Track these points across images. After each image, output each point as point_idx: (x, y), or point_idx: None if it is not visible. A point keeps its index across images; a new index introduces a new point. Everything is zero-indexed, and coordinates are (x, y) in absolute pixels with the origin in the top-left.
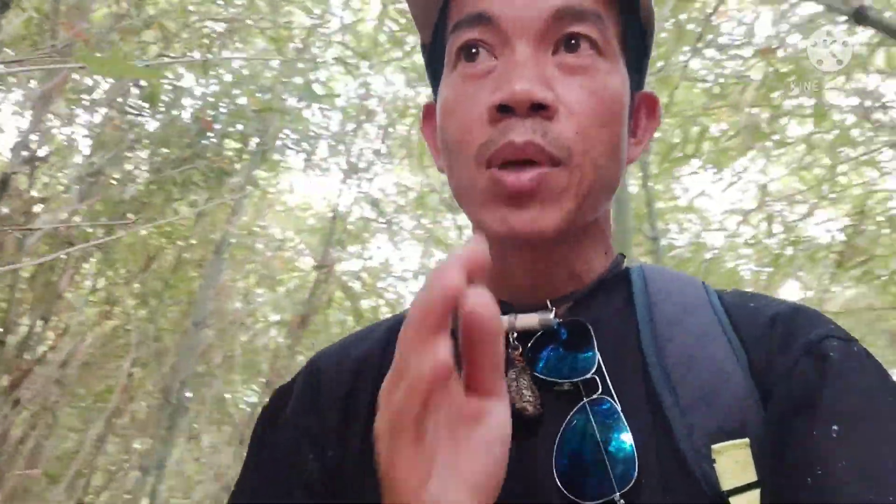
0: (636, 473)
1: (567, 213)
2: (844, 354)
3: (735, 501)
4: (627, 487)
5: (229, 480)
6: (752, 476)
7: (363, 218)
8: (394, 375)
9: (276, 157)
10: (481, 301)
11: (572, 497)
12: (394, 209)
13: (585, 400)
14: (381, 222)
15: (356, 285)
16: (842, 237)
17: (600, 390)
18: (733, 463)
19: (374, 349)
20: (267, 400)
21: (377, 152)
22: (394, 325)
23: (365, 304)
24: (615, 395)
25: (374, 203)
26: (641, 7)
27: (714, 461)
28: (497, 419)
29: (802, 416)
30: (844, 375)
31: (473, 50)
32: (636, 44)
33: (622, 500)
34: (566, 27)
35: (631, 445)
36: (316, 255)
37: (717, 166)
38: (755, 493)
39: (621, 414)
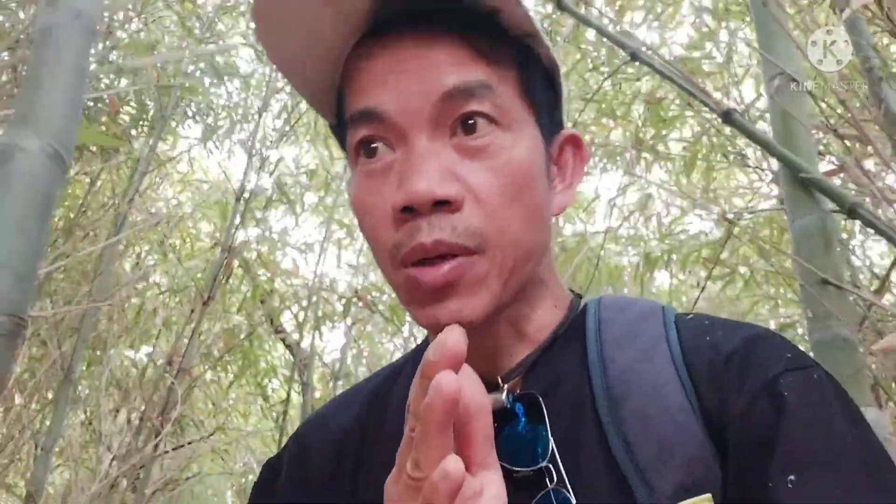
0: None
1: (491, 297)
2: (801, 390)
3: None
4: None
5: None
6: None
7: (264, 194)
8: (400, 474)
9: (177, 128)
10: (467, 382)
11: None
12: (295, 186)
13: (539, 495)
14: (284, 200)
15: (253, 257)
16: (715, 236)
17: (555, 480)
18: None
19: (353, 425)
20: (257, 474)
21: (281, 129)
22: (371, 394)
23: (264, 277)
24: (570, 476)
25: (277, 180)
26: (542, 60)
27: None
28: (493, 490)
29: (759, 463)
30: (800, 416)
31: (370, 145)
32: (543, 91)
33: None
34: (459, 108)
35: None
36: (217, 230)
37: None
38: None
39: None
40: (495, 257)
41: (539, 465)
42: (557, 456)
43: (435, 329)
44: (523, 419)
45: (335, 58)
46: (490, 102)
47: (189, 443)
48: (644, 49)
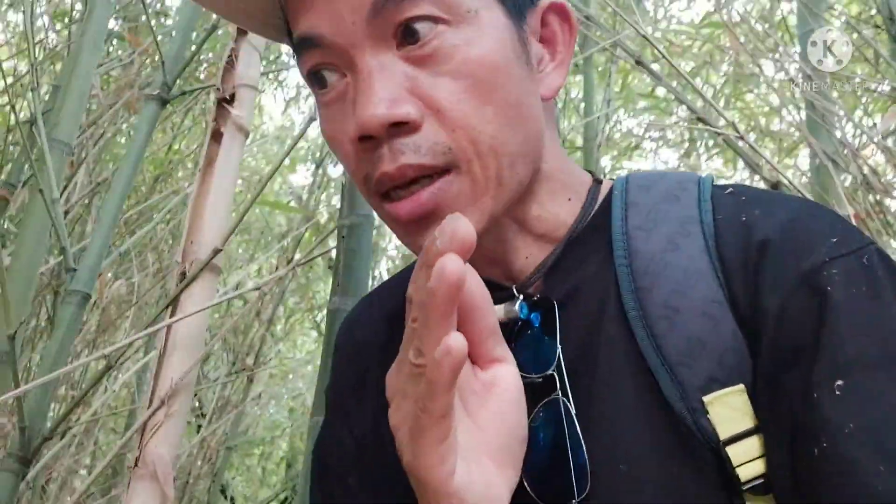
0: (588, 483)
1: (482, 210)
2: (846, 282)
3: (734, 450)
4: (585, 492)
5: None
6: (749, 422)
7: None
8: (400, 370)
9: None
10: (469, 275)
11: (535, 498)
12: None
13: (545, 400)
14: None
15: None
16: None
17: (558, 389)
18: (729, 410)
19: (380, 328)
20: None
21: None
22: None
23: None
24: (590, 384)
25: None
26: None
27: (707, 413)
28: (505, 384)
29: (799, 369)
30: (845, 312)
31: (318, 74)
32: None
33: None
34: (394, 16)
35: (583, 455)
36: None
37: None
38: (754, 440)
39: (574, 417)
40: (474, 171)
41: (545, 374)
42: (563, 363)
43: None
44: (537, 327)
45: None
46: (426, 1)
47: (252, 370)
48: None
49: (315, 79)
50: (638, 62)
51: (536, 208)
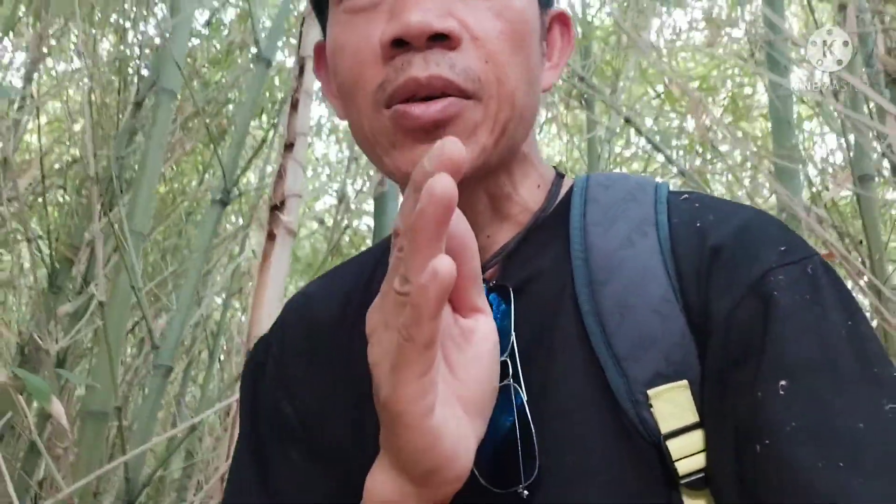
0: (535, 471)
1: (483, 148)
2: (792, 288)
3: (674, 444)
4: (531, 479)
5: None
6: (693, 417)
7: None
8: (384, 302)
9: None
10: (456, 216)
11: (485, 484)
12: None
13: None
14: None
15: None
16: None
17: (510, 375)
18: (671, 405)
19: (357, 285)
20: (248, 352)
21: None
22: (376, 258)
23: None
24: (544, 372)
25: None
26: None
27: (651, 406)
28: (483, 333)
29: (744, 370)
30: (790, 316)
31: None
32: None
33: (525, 492)
34: None
35: (532, 442)
36: None
37: None
38: (696, 435)
39: (525, 405)
40: (490, 107)
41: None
42: (517, 351)
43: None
44: (496, 312)
45: None
46: None
47: None
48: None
49: None
50: (627, 121)
51: (509, 186)
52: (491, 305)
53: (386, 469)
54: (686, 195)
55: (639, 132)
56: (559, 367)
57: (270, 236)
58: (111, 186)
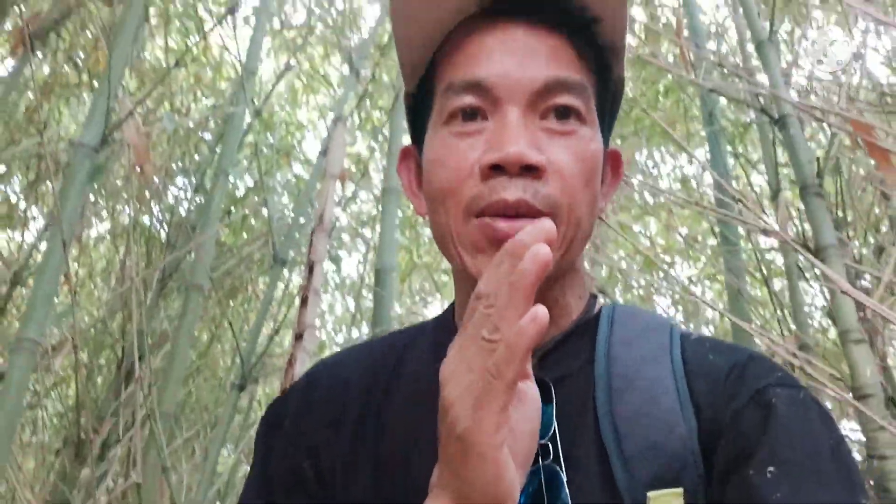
0: None
1: (553, 261)
2: (788, 402)
3: None
4: None
5: None
6: None
7: None
8: (465, 350)
9: None
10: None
11: None
12: None
13: (539, 464)
14: None
15: None
16: None
17: (551, 457)
18: None
19: (361, 379)
20: (267, 407)
21: None
22: (382, 355)
23: None
24: (566, 457)
25: None
26: (614, 78)
27: None
28: (530, 397)
29: (743, 463)
30: (785, 423)
31: (469, 112)
32: (610, 105)
33: None
34: (555, 97)
35: None
36: None
37: None
38: None
39: (565, 483)
40: (560, 228)
41: (541, 441)
42: (558, 436)
43: None
44: None
45: (445, 28)
46: (581, 100)
47: None
48: None
49: (462, 113)
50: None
51: (559, 294)
52: None
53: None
54: (694, 336)
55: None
56: (576, 461)
57: None
58: (132, 349)
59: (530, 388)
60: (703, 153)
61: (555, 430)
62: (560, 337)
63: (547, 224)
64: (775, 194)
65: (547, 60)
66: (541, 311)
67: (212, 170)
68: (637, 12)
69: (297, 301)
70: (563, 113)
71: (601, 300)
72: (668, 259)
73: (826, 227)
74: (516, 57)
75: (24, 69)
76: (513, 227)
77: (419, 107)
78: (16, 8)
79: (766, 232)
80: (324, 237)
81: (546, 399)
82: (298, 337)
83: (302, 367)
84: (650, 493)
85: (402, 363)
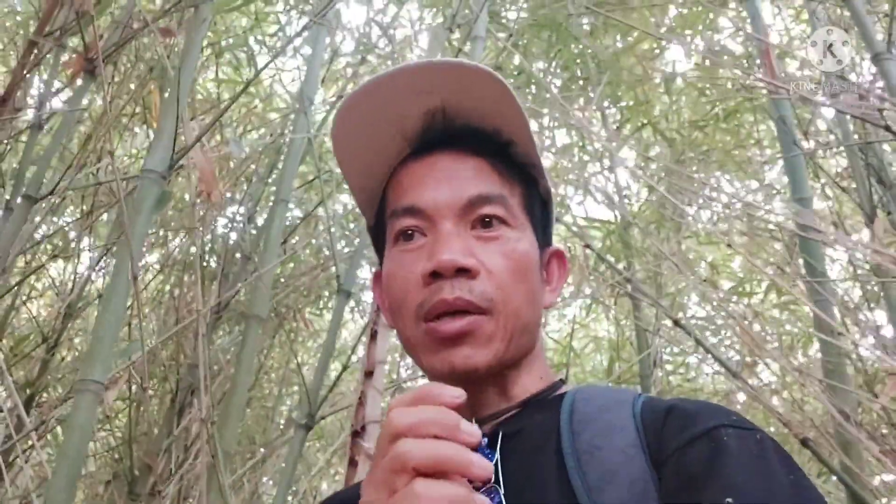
0: None
1: (496, 352)
2: (741, 441)
3: None
4: None
5: None
6: None
7: None
8: (386, 469)
9: None
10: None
11: None
12: None
13: (482, 488)
14: None
15: None
16: None
17: (492, 480)
18: None
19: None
20: None
21: None
22: None
23: None
24: (516, 486)
25: None
26: (540, 189)
27: None
28: None
29: (695, 491)
30: (739, 457)
31: (409, 233)
32: (539, 211)
33: None
34: (479, 210)
35: None
36: None
37: None
38: None
39: (502, 497)
40: (500, 320)
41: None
42: (500, 467)
43: (447, 373)
44: (482, 446)
45: (387, 168)
46: (503, 208)
47: None
48: None
49: (404, 235)
50: (676, 323)
51: (516, 376)
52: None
53: None
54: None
55: (688, 333)
56: (540, 495)
57: (352, 463)
58: (186, 382)
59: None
60: (769, 177)
61: (497, 463)
62: (519, 404)
63: (457, 390)
64: (870, 218)
65: (469, 180)
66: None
67: (264, 199)
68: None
69: (366, 336)
70: (488, 222)
71: (568, 386)
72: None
73: None
74: (443, 181)
75: (80, 99)
76: (452, 325)
77: (379, 235)
78: (77, 37)
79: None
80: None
81: (494, 444)
82: (368, 374)
83: (373, 406)
84: None
85: None
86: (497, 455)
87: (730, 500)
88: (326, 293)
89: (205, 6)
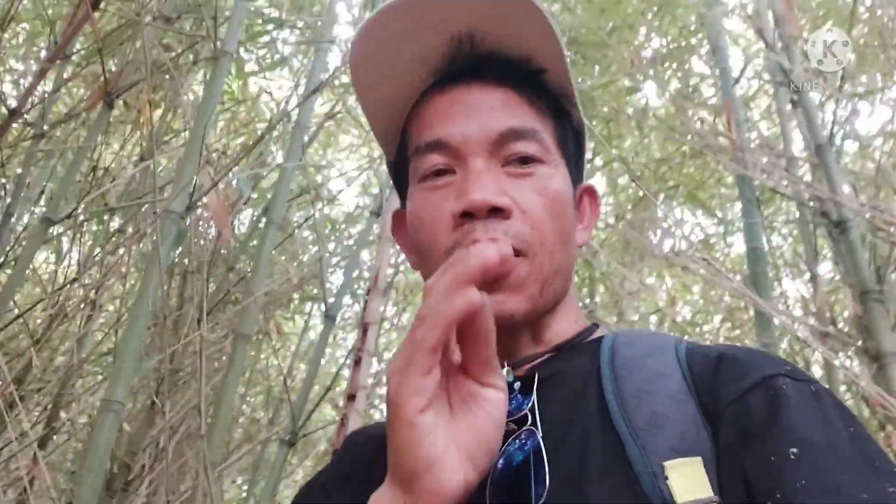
0: (544, 495)
1: (530, 297)
2: (798, 392)
3: None
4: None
5: None
6: (706, 492)
7: None
8: (409, 336)
9: None
10: (488, 319)
11: None
12: None
13: (518, 431)
14: None
15: None
16: None
17: (529, 422)
18: (686, 479)
19: (370, 445)
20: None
21: None
22: None
23: None
24: (555, 431)
25: None
26: (573, 122)
27: (667, 478)
28: (491, 403)
29: (757, 442)
30: (799, 407)
31: (436, 170)
32: (572, 145)
33: None
34: (511, 145)
35: (543, 467)
36: None
37: None
38: None
39: (540, 441)
40: (535, 263)
41: (520, 414)
42: (537, 409)
43: None
44: (517, 391)
45: (409, 99)
46: (535, 143)
47: None
48: None
49: (431, 173)
50: None
51: (552, 321)
52: (512, 387)
53: (385, 484)
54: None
55: None
56: (580, 438)
57: None
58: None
59: (489, 392)
60: (729, 214)
61: (534, 405)
62: (553, 348)
63: (503, 246)
64: (815, 288)
65: (500, 113)
66: (474, 297)
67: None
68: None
69: (351, 361)
70: (522, 158)
71: (602, 330)
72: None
73: (886, 334)
74: (472, 114)
75: (95, 135)
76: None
77: (401, 171)
78: (96, 68)
79: (821, 335)
80: (378, 298)
81: (530, 388)
82: (351, 397)
83: (355, 427)
84: (667, 463)
85: None
86: (534, 397)
87: (794, 450)
88: (297, 296)
89: (224, 59)
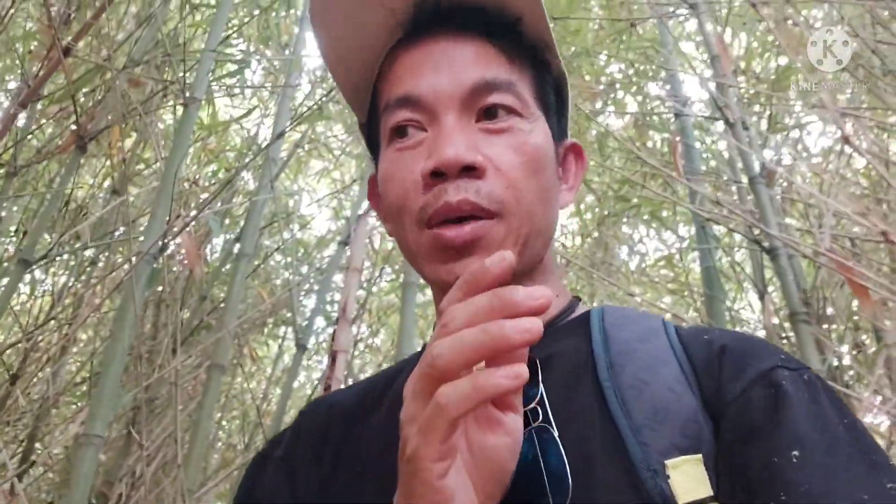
0: (570, 492)
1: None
2: (795, 384)
3: None
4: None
5: None
6: (707, 491)
7: None
8: (419, 372)
9: None
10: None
11: None
12: None
13: (529, 427)
14: None
15: None
16: None
17: (541, 418)
18: (687, 478)
19: (349, 407)
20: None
21: None
22: (370, 385)
23: None
24: (557, 423)
25: None
26: (552, 67)
27: (668, 476)
28: (509, 430)
29: (760, 441)
30: (798, 404)
31: (405, 127)
32: (553, 98)
33: None
34: (484, 98)
35: (564, 466)
36: None
37: None
38: None
39: (557, 440)
40: (511, 224)
41: (528, 407)
42: (547, 402)
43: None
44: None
45: (376, 54)
46: (511, 96)
47: None
48: None
49: (399, 129)
50: None
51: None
52: None
53: None
54: (688, 326)
55: None
56: (578, 435)
57: None
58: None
59: (509, 420)
60: (686, 231)
61: (542, 396)
62: (546, 323)
63: (506, 253)
64: (762, 295)
65: (471, 65)
66: (515, 370)
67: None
68: (630, 104)
69: (321, 389)
70: (495, 112)
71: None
72: None
73: (812, 353)
74: (442, 66)
75: (69, 177)
76: (459, 234)
77: (372, 134)
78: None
79: None
80: (347, 328)
81: (535, 376)
82: (327, 389)
83: None
84: (668, 461)
85: (389, 386)
86: (541, 389)
87: (796, 452)
88: (271, 321)
89: (193, 106)
